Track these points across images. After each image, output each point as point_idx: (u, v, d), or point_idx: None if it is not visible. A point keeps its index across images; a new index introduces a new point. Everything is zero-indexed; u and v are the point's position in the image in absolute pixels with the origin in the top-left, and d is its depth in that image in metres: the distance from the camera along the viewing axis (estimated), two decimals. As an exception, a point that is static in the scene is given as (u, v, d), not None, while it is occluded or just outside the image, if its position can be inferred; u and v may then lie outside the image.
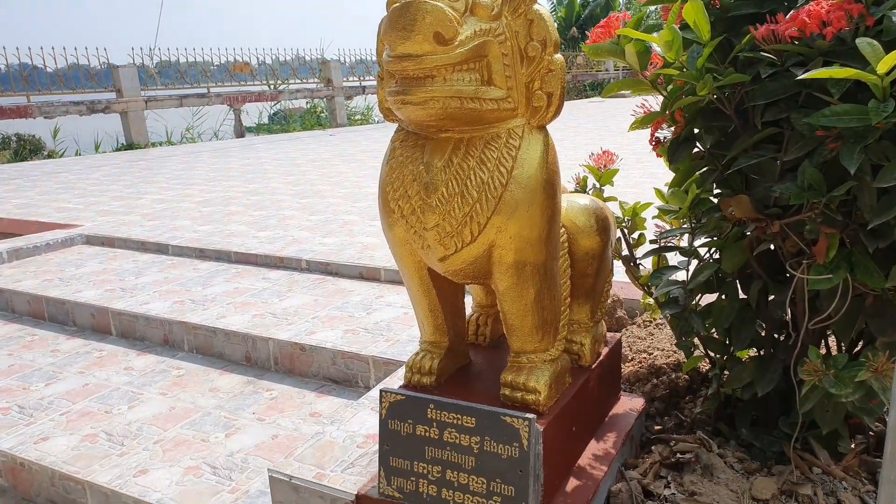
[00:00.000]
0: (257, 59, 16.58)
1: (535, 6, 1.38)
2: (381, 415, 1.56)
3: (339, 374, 2.69)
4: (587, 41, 1.74)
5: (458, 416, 1.47)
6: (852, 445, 1.72)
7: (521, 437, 1.41)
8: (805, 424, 1.66)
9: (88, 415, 2.53)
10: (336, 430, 1.90)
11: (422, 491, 1.52)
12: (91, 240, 4.60)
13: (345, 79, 17.87)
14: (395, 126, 1.54)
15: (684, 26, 1.54)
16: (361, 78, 18.92)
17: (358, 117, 18.97)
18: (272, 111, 18.08)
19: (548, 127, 1.45)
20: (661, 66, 1.58)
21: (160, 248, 4.29)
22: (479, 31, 1.32)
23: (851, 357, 1.53)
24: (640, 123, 1.76)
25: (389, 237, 1.54)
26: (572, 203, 1.68)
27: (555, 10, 23.35)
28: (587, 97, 22.14)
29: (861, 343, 1.69)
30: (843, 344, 1.68)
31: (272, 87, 16.53)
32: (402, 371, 2.31)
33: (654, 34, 1.53)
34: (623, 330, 2.66)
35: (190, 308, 3.21)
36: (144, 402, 2.62)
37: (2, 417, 2.53)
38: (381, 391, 1.56)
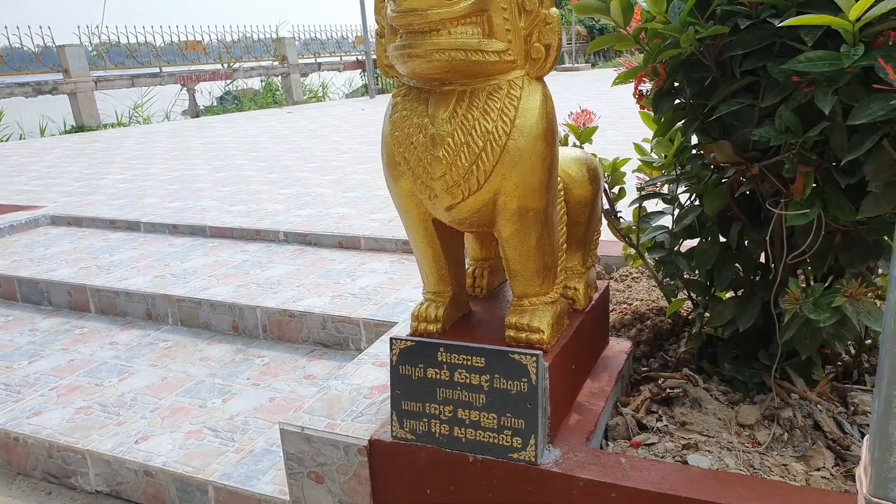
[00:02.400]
0: (209, 37, 16.16)
1: (532, -38, 1.44)
2: (391, 361, 1.63)
3: (329, 339, 2.74)
4: (573, -1, 1.81)
5: (468, 357, 1.55)
6: (824, 374, 1.87)
7: (529, 373, 1.50)
8: (783, 356, 1.79)
9: (79, 388, 2.53)
10: (340, 385, 1.96)
11: (434, 431, 1.60)
12: (57, 220, 4.50)
13: (300, 56, 17.59)
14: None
15: (665, -19, 1.63)
16: (316, 55, 18.64)
17: (314, 95, 18.72)
18: (223, 91, 17.69)
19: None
20: (644, 22, 1.67)
21: (131, 226, 4.24)
22: (480, -14, 1.37)
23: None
24: (623, 78, 1.84)
25: (395, 190, 1.59)
26: (565, 155, 1.76)
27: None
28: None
29: (830, 278, 1.83)
30: (815, 278, 1.81)
31: (226, 65, 16.16)
32: (393, 331, 2.38)
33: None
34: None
35: (171, 282, 3.20)
36: (134, 373, 2.63)
37: (-10, 395, 2.51)
38: (391, 339, 1.62)
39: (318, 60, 18.28)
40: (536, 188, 1.48)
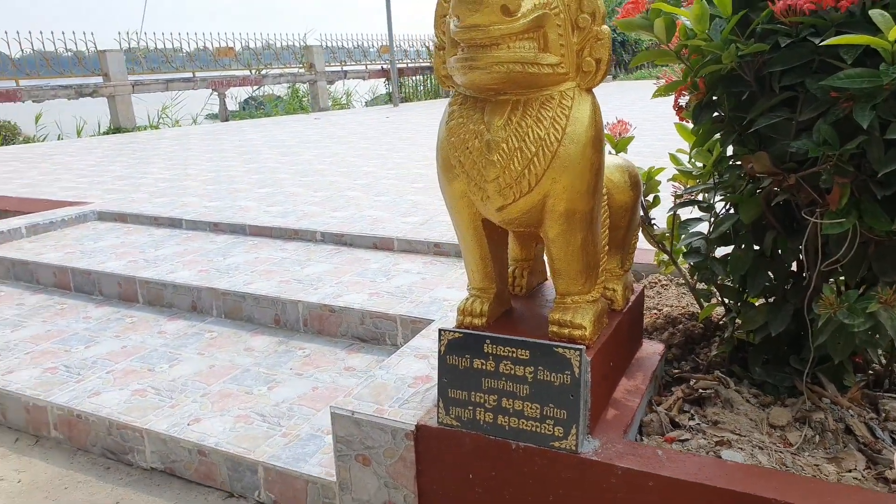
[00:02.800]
0: (240, 43, 16.50)
1: (586, -18, 1.54)
2: (439, 351, 1.73)
3: (367, 333, 2.85)
4: (618, 16, 1.91)
5: (513, 349, 1.65)
6: (856, 381, 1.93)
7: (572, 367, 1.59)
8: (815, 361, 1.86)
9: (133, 373, 2.66)
10: (386, 374, 2.07)
11: (479, 418, 1.70)
12: (103, 216, 4.69)
13: (327, 64, 17.88)
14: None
15: (708, 1, 1.72)
16: (342, 63, 18.92)
17: (338, 102, 18.99)
18: (247, 97, 18.05)
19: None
20: (686, 39, 1.76)
21: (174, 223, 4.40)
22: (537, 5, 1.48)
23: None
24: (663, 91, 1.94)
25: (448, 191, 1.70)
26: (609, 162, 1.85)
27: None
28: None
29: (863, 287, 1.90)
30: (848, 286, 1.89)
31: (255, 71, 16.48)
32: (431, 327, 2.49)
33: (682, 9, 1.71)
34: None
35: (215, 276, 3.34)
36: (183, 361, 2.76)
37: (51, 376, 2.65)
38: (439, 330, 1.73)
39: (344, 68, 18.56)
40: (584, 192, 1.58)
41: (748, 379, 2.04)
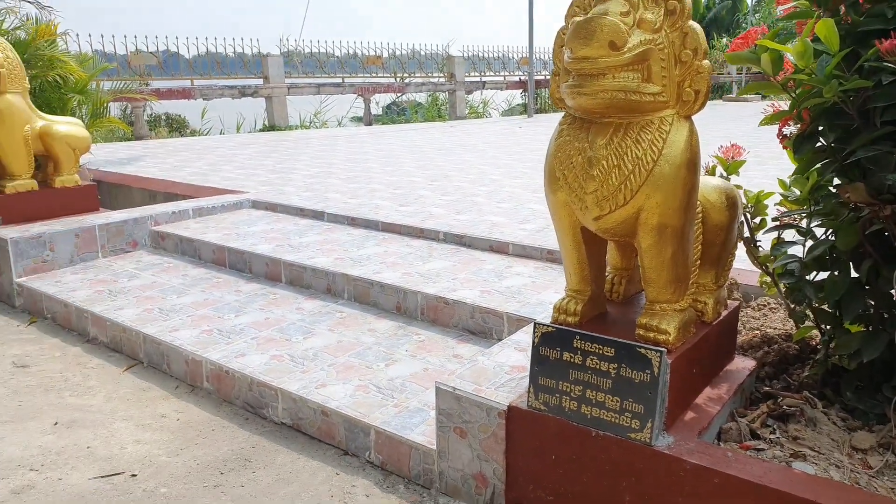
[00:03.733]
0: (386, 52, 17.46)
1: (690, 22, 1.71)
2: (533, 342, 1.95)
3: (476, 327, 3.11)
4: (728, 50, 2.04)
5: (600, 346, 1.84)
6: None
7: (652, 366, 1.75)
8: (905, 389, 1.89)
9: (273, 341, 3.09)
10: (487, 360, 2.31)
11: (564, 406, 1.90)
12: (257, 204, 5.30)
13: (466, 74, 18.45)
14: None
15: (815, 39, 1.82)
16: (482, 73, 19.42)
17: (475, 110, 19.51)
18: (389, 102, 19.00)
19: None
20: (792, 73, 1.87)
21: (316, 215, 4.90)
22: (643, 41, 1.67)
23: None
24: (769, 120, 2.04)
25: (551, 200, 1.92)
26: (707, 183, 1.99)
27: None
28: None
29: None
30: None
31: (399, 79, 17.34)
32: (531, 326, 2.69)
33: (789, 44, 1.82)
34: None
35: (349, 264, 3.74)
36: (316, 335, 3.15)
37: (207, 337, 3.13)
38: (535, 323, 1.95)
39: (483, 79, 19.05)
40: (676, 208, 1.74)
41: (839, 403, 2.08)
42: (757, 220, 2.40)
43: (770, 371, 2.28)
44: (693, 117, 1.79)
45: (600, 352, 1.84)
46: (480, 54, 19.72)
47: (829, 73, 1.76)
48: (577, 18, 1.69)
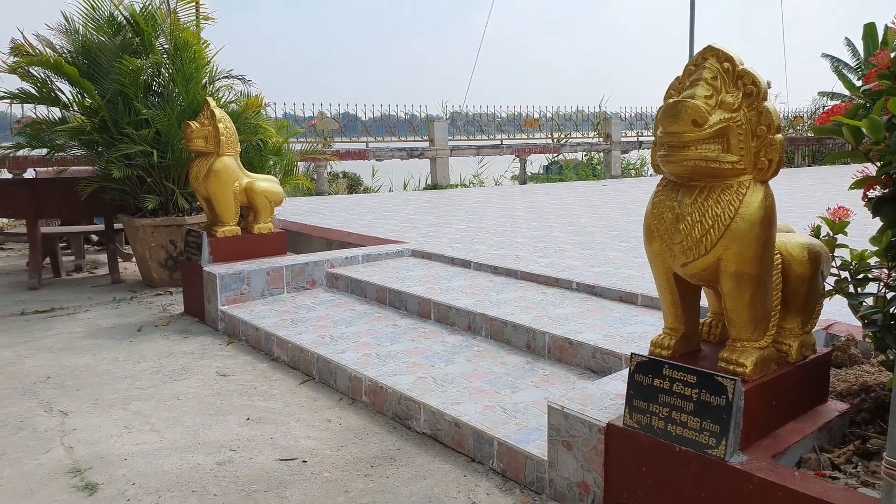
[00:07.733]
0: (541, 113, 18.21)
1: (765, 102, 2.05)
2: (630, 370, 2.30)
3: (596, 366, 3.45)
4: (815, 122, 2.32)
5: (685, 374, 2.16)
6: None
7: (727, 392, 2.05)
8: None
9: (419, 365, 3.63)
10: (594, 388, 2.67)
11: (653, 424, 2.22)
12: (415, 253, 6.01)
13: (623, 133, 18.66)
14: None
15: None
16: (639, 133, 19.52)
17: (632, 170, 19.57)
18: (548, 162, 19.60)
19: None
20: (872, 143, 2.11)
21: (464, 263, 5.49)
22: (723, 119, 2.03)
23: None
24: (857, 184, 2.28)
25: (648, 249, 2.29)
26: (791, 238, 2.27)
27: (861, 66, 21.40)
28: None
29: None
30: None
31: (555, 140, 17.97)
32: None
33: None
34: (854, 366, 3.00)
35: (488, 306, 4.23)
36: (455, 363, 3.66)
37: (366, 360, 3.76)
38: (631, 354, 2.30)
39: (640, 139, 19.13)
40: (750, 258, 2.05)
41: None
42: (860, 276, 2.57)
43: (866, 416, 2.42)
44: (780, 180, 2.10)
45: (685, 379, 2.16)
46: (638, 111, 19.83)
47: (900, 144, 2.00)
48: (670, 101, 2.09)
